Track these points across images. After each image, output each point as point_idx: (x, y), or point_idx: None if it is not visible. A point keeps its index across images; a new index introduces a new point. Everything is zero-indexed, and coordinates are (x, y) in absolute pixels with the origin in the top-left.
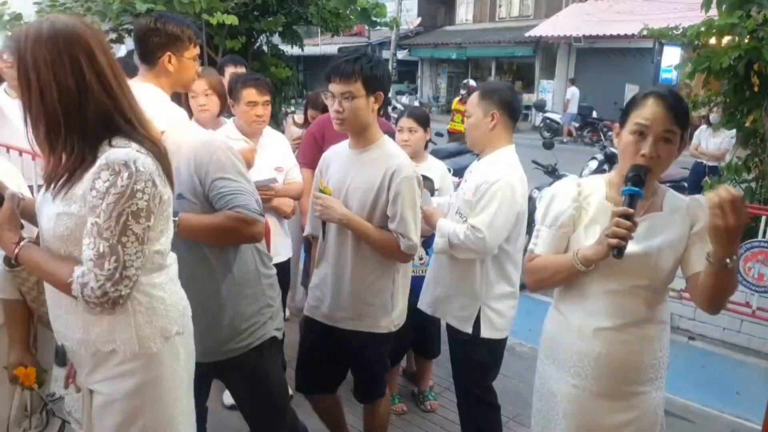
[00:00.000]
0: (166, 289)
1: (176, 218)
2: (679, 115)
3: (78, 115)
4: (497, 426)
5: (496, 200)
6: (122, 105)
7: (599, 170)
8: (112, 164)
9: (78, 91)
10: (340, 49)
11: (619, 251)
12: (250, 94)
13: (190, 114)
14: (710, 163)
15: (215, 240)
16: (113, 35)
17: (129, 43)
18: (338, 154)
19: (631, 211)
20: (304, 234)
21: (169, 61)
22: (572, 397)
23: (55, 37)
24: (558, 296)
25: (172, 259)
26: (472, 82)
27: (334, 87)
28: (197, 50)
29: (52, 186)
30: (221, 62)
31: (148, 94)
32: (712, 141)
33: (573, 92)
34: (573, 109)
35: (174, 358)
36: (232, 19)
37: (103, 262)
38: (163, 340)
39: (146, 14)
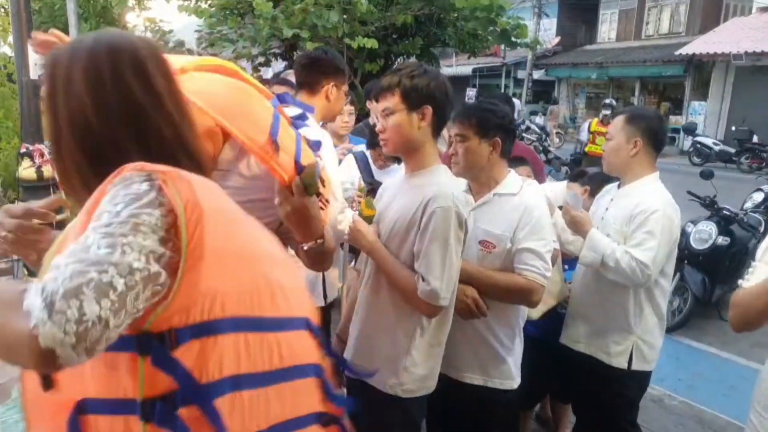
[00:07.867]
0: None
1: None
2: None
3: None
4: None
5: (657, 233)
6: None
7: (766, 203)
8: None
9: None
10: (474, 70)
11: None
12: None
13: None
14: None
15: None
16: (261, 59)
17: (275, 66)
18: (397, 178)
19: None
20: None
21: (331, 91)
22: None
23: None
24: None
25: None
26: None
27: (375, 105)
28: (347, 87)
29: None
30: (366, 89)
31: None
32: None
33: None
34: None
35: None
36: (372, 43)
37: None
38: None
39: (292, 38)
